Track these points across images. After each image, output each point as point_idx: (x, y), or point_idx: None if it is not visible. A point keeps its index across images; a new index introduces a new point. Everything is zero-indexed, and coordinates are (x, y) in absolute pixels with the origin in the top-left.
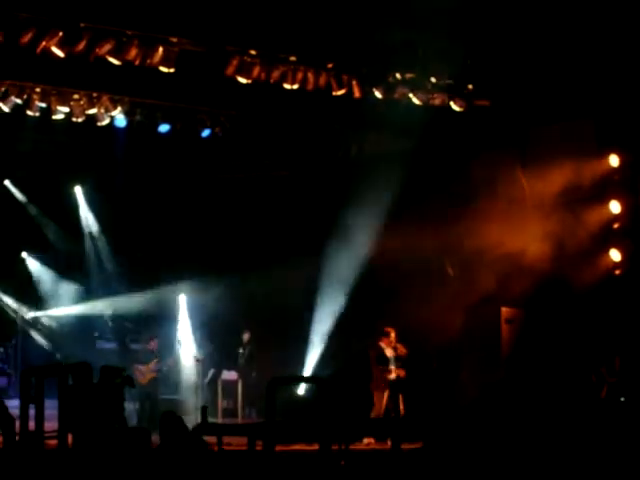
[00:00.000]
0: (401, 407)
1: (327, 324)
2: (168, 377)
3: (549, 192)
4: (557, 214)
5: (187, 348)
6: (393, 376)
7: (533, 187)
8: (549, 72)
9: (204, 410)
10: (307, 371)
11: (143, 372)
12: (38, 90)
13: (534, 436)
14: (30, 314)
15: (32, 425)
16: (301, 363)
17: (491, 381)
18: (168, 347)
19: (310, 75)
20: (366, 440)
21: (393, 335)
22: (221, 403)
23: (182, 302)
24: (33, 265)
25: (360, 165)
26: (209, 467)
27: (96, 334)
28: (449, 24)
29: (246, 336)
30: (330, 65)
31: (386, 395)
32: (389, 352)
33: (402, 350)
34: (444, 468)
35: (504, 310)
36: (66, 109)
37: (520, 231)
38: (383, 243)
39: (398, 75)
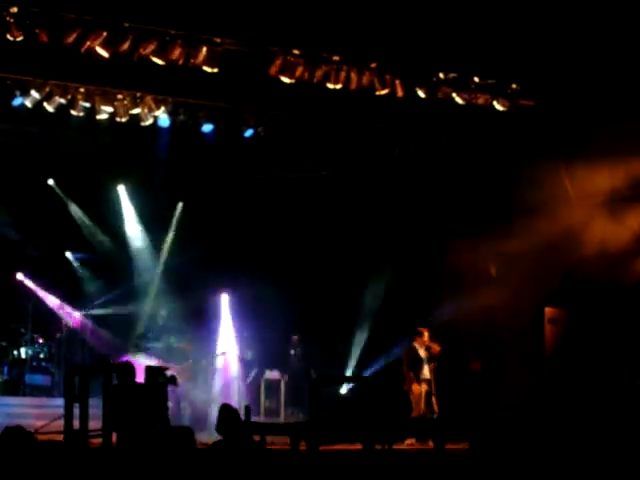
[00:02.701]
0: (435, 407)
1: (371, 325)
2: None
3: (593, 193)
4: (601, 215)
5: (231, 348)
6: (426, 375)
7: (577, 188)
8: (596, 71)
9: (247, 410)
10: (350, 371)
11: (178, 372)
12: (82, 90)
13: (578, 438)
14: (74, 313)
15: (76, 424)
16: (345, 363)
17: (535, 382)
18: (211, 347)
19: (353, 75)
20: (408, 440)
21: (427, 335)
22: (264, 402)
23: (225, 302)
24: (77, 265)
25: (403, 165)
26: (257, 466)
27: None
28: (492, 22)
29: (295, 337)
30: (373, 65)
31: (424, 393)
32: (422, 352)
33: (435, 349)
34: (490, 470)
35: (547, 310)
36: (110, 109)
37: (564, 232)
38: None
39: (441, 75)
